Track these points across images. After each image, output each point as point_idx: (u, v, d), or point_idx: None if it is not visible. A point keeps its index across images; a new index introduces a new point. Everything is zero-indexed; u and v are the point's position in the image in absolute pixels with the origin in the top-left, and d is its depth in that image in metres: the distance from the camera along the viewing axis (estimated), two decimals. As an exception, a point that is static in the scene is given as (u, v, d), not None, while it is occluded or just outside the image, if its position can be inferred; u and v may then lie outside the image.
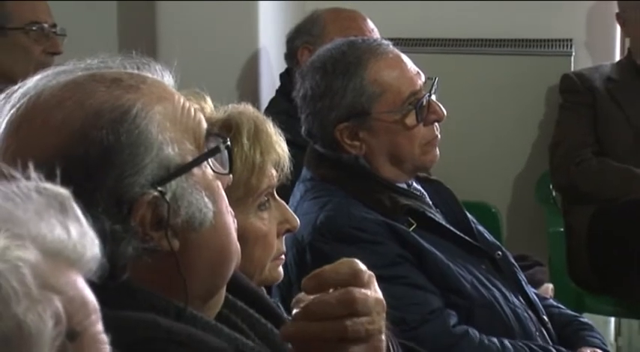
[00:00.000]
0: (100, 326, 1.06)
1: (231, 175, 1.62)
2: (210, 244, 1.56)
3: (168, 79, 1.62)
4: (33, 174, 1.09)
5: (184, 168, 1.51)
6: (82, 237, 1.07)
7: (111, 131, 1.46)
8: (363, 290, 1.51)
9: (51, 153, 1.44)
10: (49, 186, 1.09)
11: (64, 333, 1.00)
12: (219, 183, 1.58)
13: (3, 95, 1.55)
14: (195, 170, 1.53)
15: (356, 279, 1.52)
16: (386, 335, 1.59)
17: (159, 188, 1.47)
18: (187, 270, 1.52)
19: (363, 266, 1.54)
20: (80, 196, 1.40)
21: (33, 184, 1.07)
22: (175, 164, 1.50)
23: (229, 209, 1.60)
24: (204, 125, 1.58)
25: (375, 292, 1.54)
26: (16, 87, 1.55)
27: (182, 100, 1.57)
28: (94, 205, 1.41)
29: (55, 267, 1.02)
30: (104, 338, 1.06)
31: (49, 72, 1.56)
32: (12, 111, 1.51)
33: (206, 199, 1.53)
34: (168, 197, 1.48)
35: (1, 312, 0.96)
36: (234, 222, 1.61)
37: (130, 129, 1.47)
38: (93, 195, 1.42)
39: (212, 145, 1.57)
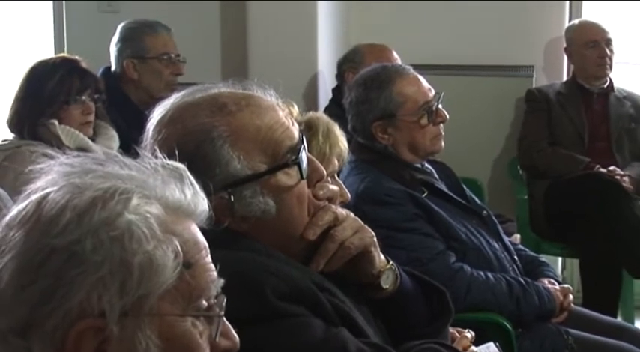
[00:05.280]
0: (208, 259, 1.05)
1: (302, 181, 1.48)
2: (276, 228, 1.48)
3: (274, 99, 1.53)
4: (159, 154, 1.10)
5: (244, 179, 1.43)
6: (195, 197, 1.06)
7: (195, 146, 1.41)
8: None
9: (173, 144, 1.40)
10: (171, 162, 1.09)
11: (181, 264, 1.00)
12: (295, 187, 1.48)
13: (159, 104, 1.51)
14: (267, 176, 1.45)
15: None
16: (393, 264, 1.60)
17: (228, 190, 1.42)
18: (264, 241, 1.47)
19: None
20: None
21: (160, 161, 1.08)
22: (243, 175, 1.43)
23: (306, 202, 1.49)
24: (286, 143, 1.47)
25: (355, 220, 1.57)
26: (167, 99, 1.51)
27: (272, 123, 1.47)
28: None
29: (174, 218, 1.02)
30: (212, 267, 1.05)
31: (189, 90, 1.51)
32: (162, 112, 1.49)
33: (267, 199, 1.45)
34: (233, 197, 1.42)
35: (137, 249, 0.97)
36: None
37: (207, 147, 1.42)
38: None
39: (292, 157, 1.46)
